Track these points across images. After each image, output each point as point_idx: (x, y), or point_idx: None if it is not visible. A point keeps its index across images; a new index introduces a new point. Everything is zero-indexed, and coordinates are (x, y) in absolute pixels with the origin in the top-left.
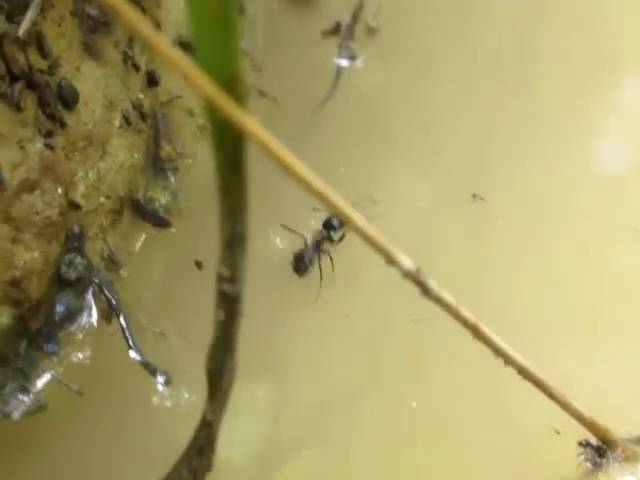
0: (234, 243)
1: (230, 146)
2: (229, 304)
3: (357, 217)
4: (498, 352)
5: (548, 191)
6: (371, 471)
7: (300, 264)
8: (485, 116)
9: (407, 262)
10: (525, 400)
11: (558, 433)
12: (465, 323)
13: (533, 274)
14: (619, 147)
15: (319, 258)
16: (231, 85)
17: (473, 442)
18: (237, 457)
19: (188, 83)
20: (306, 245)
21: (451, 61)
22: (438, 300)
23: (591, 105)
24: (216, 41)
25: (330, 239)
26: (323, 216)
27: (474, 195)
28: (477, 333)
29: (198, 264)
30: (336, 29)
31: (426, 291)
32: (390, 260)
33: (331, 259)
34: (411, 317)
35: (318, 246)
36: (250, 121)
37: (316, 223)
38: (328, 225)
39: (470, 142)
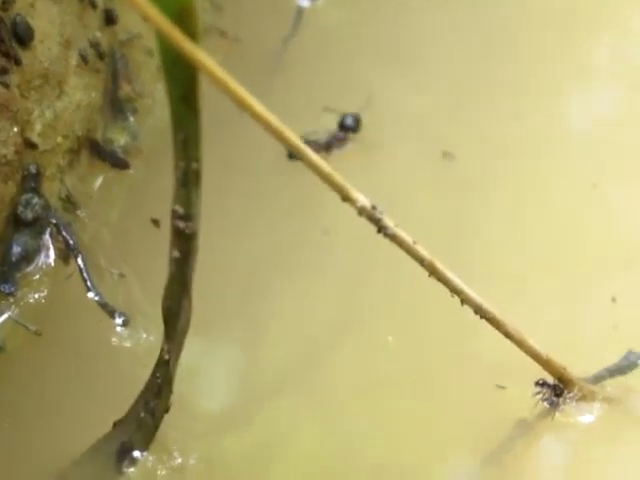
0: (188, 179)
1: (183, 79)
2: (184, 242)
3: (312, 154)
4: (455, 290)
5: (517, 143)
6: (347, 415)
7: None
8: (453, 59)
9: (362, 199)
10: (493, 337)
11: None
12: (422, 262)
13: (500, 225)
14: (589, 100)
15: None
16: (183, 18)
17: (442, 381)
18: (208, 406)
19: (139, 15)
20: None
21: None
22: (394, 238)
23: (565, 58)
24: None
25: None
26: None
27: (445, 153)
28: (434, 271)
29: (155, 222)
30: None
31: (382, 229)
32: (345, 197)
33: None
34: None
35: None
36: (202, 54)
37: None
38: (343, 125)
39: (438, 83)
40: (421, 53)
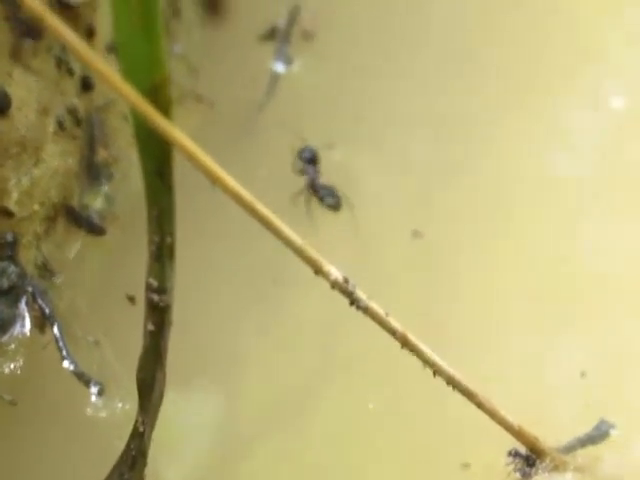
0: (162, 253)
1: (156, 154)
2: (158, 314)
3: (285, 228)
4: (427, 362)
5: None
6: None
7: (332, 201)
8: (428, 126)
9: (335, 272)
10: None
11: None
12: (394, 334)
13: (471, 296)
14: (568, 149)
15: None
16: (156, 93)
17: (421, 442)
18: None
19: (114, 91)
20: (313, 182)
21: (391, 61)
22: (367, 310)
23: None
24: (141, 49)
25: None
26: None
27: (414, 232)
28: (406, 343)
29: (131, 299)
30: (272, 33)
31: (354, 301)
32: (318, 270)
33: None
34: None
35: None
36: (175, 130)
37: None
38: (305, 160)
39: (414, 142)
40: (393, 126)
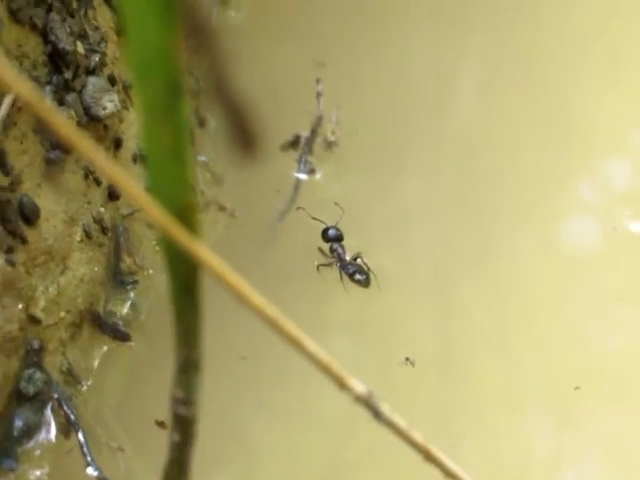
0: (188, 367)
1: (184, 273)
2: (184, 426)
3: (309, 342)
4: (449, 474)
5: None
6: None
7: (361, 278)
8: (449, 227)
9: (359, 386)
10: None
11: None
12: (416, 447)
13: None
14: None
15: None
16: (184, 215)
17: None
18: None
19: (142, 211)
20: (342, 261)
21: (411, 173)
22: (390, 424)
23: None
24: (170, 174)
25: (342, 247)
26: None
27: (407, 359)
28: (428, 456)
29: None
30: (295, 142)
31: (378, 415)
32: (341, 385)
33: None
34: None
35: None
36: (203, 250)
37: None
38: (328, 237)
39: (434, 251)
40: (415, 230)
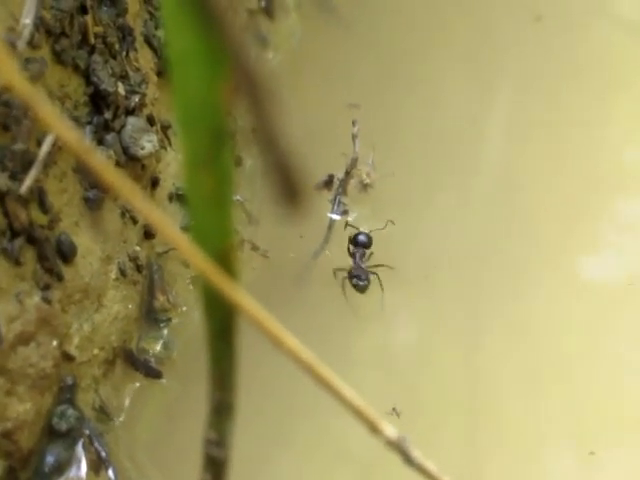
0: (222, 409)
1: (220, 316)
2: (215, 468)
3: (343, 387)
4: None
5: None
6: None
7: (360, 281)
8: (480, 267)
9: (391, 431)
10: None
11: None
12: None
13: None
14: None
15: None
16: (224, 261)
17: None
18: None
19: (182, 255)
20: (355, 263)
21: (443, 214)
22: (420, 469)
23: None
24: (211, 218)
25: (364, 254)
26: None
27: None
28: None
29: None
30: (328, 182)
31: (408, 459)
32: (374, 429)
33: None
34: None
35: (361, 261)
36: (240, 293)
37: None
38: (357, 242)
39: (464, 290)
40: (443, 274)
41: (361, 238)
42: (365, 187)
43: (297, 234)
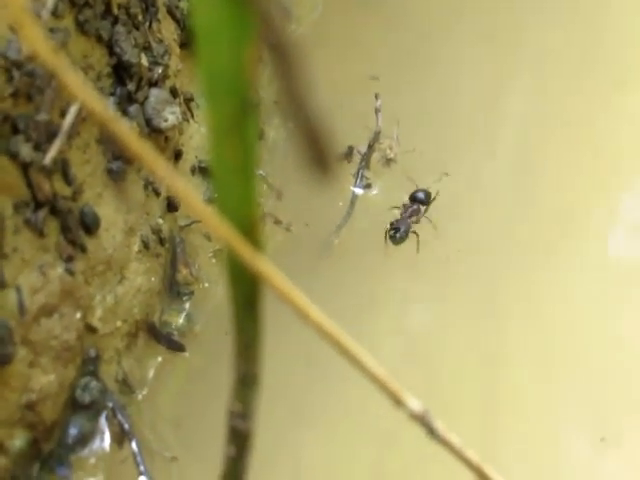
0: (247, 381)
1: (245, 287)
2: (240, 440)
3: (367, 358)
4: None
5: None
6: None
7: (397, 233)
8: (498, 259)
9: (415, 404)
10: None
11: None
12: (470, 465)
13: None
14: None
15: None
16: (249, 232)
17: None
18: None
19: (206, 227)
20: (401, 216)
21: (469, 193)
22: (444, 442)
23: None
24: (236, 189)
25: (418, 211)
26: None
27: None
28: (482, 476)
29: None
30: (348, 154)
31: (432, 432)
32: (398, 401)
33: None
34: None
35: (410, 216)
36: (265, 264)
37: None
38: (415, 198)
39: (483, 282)
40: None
41: (419, 195)
42: (388, 162)
43: (320, 208)
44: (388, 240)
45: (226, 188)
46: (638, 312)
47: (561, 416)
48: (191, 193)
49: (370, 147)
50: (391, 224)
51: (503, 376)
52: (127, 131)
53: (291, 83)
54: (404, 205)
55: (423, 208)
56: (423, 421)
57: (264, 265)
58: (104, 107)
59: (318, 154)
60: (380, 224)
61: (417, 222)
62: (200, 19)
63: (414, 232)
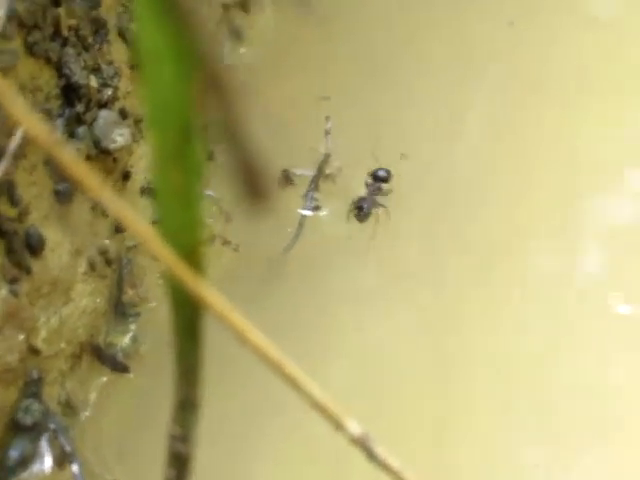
0: (187, 405)
1: (186, 311)
2: (180, 463)
3: (310, 384)
4: None
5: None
6: None
7: (360, 211)
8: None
9: (355, 428)
10: None
11: None
12: None
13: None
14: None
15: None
16: (190, 256)
17: None
18: None
19: (149, 250)
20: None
21: (416, 205)
22: (384, 465)
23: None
24: (179, 214)
25: (380, 189)
26: None
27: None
28: None
29: None
30: (285, 178)
31: (372, 456)
32: (338, 425)
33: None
34: None
35: (373, 193)
36: (206, 289)
37: None
38: (376, 177)
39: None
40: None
41: (380, 173)
42: (337, 183)
43: (268, 230)
44: (352, 218)
45: (169, 212)
46: (592, 322)
47: (514, 433)
48: (134, 216)
49: (319, 169)
50: (354, 202)
51: (454, 391)
52: (70, 156)
53: (228, 113)
54: (366, 183)
55: (385, 186)
56: (363, 445)
57: (205, 289)
58: (47, 132)
59: (252, 184)
60: (329, 244)
61: (383, 196)
62: (144, 43)
63: (379, 206)
